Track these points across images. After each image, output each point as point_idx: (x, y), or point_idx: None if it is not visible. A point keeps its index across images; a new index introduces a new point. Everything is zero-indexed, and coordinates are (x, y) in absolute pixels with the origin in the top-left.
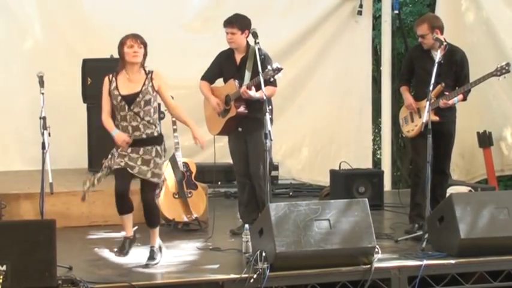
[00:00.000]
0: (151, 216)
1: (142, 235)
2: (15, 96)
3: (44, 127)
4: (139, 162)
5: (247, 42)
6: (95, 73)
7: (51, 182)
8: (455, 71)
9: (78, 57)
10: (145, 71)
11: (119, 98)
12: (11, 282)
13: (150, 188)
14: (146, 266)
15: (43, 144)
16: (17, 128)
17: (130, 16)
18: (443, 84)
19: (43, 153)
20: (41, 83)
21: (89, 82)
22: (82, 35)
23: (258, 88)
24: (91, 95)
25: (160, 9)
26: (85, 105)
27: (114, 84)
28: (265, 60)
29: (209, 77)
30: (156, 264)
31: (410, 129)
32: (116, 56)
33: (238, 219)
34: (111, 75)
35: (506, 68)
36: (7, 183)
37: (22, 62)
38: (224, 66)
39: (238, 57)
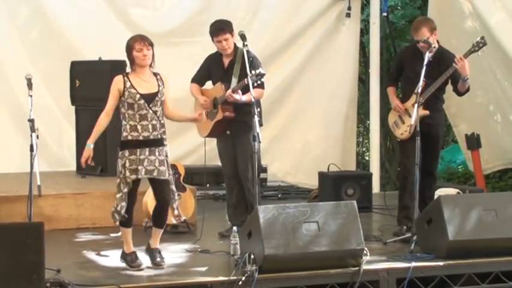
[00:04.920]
0: (165, 217)
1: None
2: (3, 97)
3: (32, 129)
4: (157, 164)
5: (235, 44)
6: (83, 75)
7: (39, 185)
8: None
9: (66, 60)
10: (152, 72)
11: (138, 96)
12: None
13: (168, 187)
14: (158, 266)
15: (31, 146)
16: (5, 130)
17: (116, 20)
18: (424, 80)
19: (31, 155)
20: (29, 86)
21: (77, 84)
22: (71, 38)
23: (246, 91)
24: (79, 97)
25: (147, 14)
26: (73, 107)
27: (129, 83)
28: (253, 62)
29: (198, 79)
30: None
31: (403, 131)
32: (104, 58)
33: (226, 222)
34: (122, 76)
35: (482, 41)
36: None
37: (10, 63)
38: (212, 70)
39: (226, 60)
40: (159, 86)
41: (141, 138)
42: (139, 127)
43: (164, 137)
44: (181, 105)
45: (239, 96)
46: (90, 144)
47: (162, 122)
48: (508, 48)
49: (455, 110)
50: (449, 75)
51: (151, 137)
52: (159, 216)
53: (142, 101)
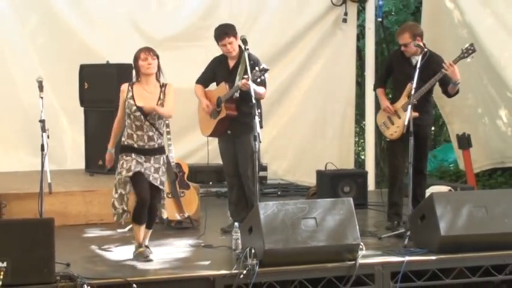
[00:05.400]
0: (153, 219)
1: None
2: (15, 99)
3: (43, 130)
4: (152, 171)
5: (240, 47)
6: (92, 78)
7: (49, 182)
8: (433, 76)
9: (74, 63)
10: (159, 83)
11: (134, 107)
12: (11, 278)
13: (157, 193)
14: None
15: (42, 146)
16: (17, 130)
17: (123, 25)
18: (412, 82)
19: (42, 154)
20: (40, 88)
21: (86, 87)
22: (79, 41)
23: (246, 95)
24: (88, 99)
25: (152, 19)
26: (82, 108)
27: (130, 94)
28: (255, 64)
29: (203, 81)
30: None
31: (393, 131)
32: (111, 61)
33: (228, 218)
34: (128, 85)
35: (471, 48)
36: (7, 184)
37: (22, 66)
38: (217, 71)
39: (231, 62)
40: (159, 99)
41: (135, 146)
42: (135, 136)
43: (162, 145)
44: (184, 109)
45: (253, 84)
46: (110, 149)
47: (160, 132)
48: (494, 54)
49: (450, 108)
50: (439, 79)
51: (146, 147)
52: (147, 219)
53: (138, 113)
